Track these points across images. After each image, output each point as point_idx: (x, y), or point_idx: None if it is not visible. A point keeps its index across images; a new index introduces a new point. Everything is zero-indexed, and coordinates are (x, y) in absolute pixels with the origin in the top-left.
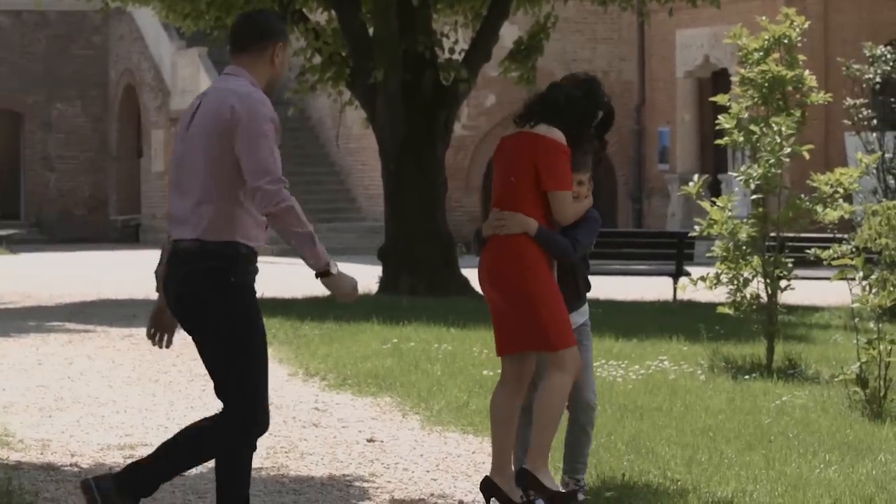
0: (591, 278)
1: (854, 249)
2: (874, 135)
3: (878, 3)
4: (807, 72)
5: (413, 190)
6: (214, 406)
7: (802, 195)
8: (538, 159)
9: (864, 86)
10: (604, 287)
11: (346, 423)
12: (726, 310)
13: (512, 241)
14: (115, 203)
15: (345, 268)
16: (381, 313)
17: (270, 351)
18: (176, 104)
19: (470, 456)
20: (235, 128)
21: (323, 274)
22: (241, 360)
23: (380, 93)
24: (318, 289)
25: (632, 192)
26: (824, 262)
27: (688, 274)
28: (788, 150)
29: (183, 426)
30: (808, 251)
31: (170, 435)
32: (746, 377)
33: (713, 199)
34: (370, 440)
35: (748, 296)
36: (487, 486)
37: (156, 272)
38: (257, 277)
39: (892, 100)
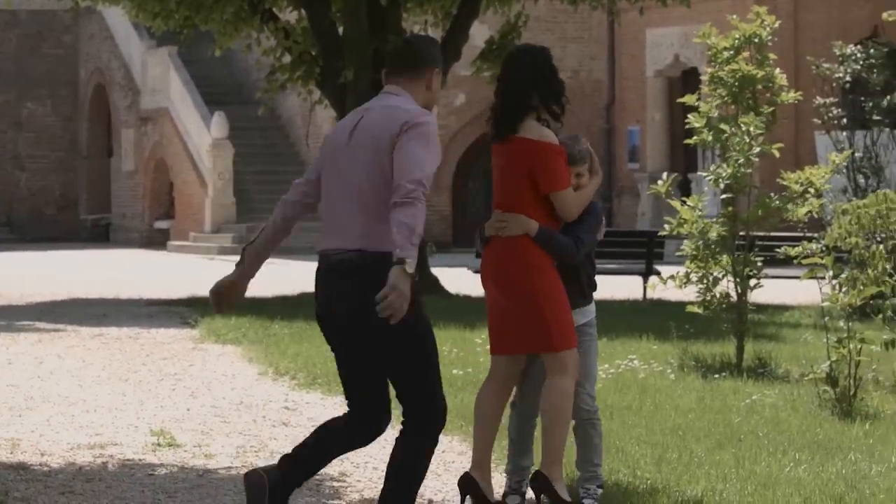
0: None
1: (824, 248)
2: (844, 134)
3: (848, 3)
4: (777, 70)
5: None
6: (183, 404)
7: (772, 194)
8: (535, 165)
9: (835, 85)
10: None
11: (316, 422)
12: (696, 309)
13: (514, 242)
14: (86, 202)
15: (313, 267)
16: None
17: (239, 350)
18: (146, 103)
19: (439, 455)
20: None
21: (399, 262)
22: (423, 364)
23: (350, 92)
24: (288, 288)
25: (602, 191)
26: (794, 261)
27: (658, 273)
28: (758, 149)
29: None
30: (777, 250)
31: (141, 434)
32: (716, 376)
33: (683, 198)
34: None
35: (718, 295)
36: (465, 483)
37: (245, 249)
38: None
39: (862, 99)
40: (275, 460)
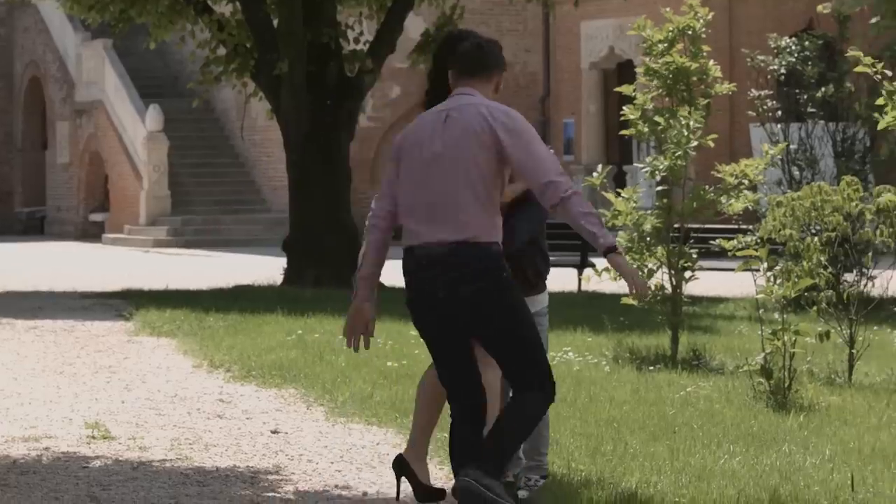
0: None
1: (759, 240)
2: (779, 126)
3: None
4: (711, 62)
5: (318, 181)
6: (118, 397)
7: (707, 186)
8: None
9: (769, 77)
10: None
11: (251, 415)
12: (631, 301)
13: None
14: (20, 195)
15: (249, 259)
16: (285, 305)
17: (174, 343)
18: (81, 96)
19: (374, 447)
20: (499, 137)
21: (612, 250)
22: (531, 341)
23: (284, 84)
24: (223, 280)
25: None
26: (729, 254)
27: (592, 265)
28: (696, 142)
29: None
30: (712, 242)
31: (75, 427)
32: (651, 368)
33: (618, 189)
34: (274, 432)
35: (653, 287)
36: (399, 464)
37: (355, 277)
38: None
39: (797, 91)
40: (209, 453)
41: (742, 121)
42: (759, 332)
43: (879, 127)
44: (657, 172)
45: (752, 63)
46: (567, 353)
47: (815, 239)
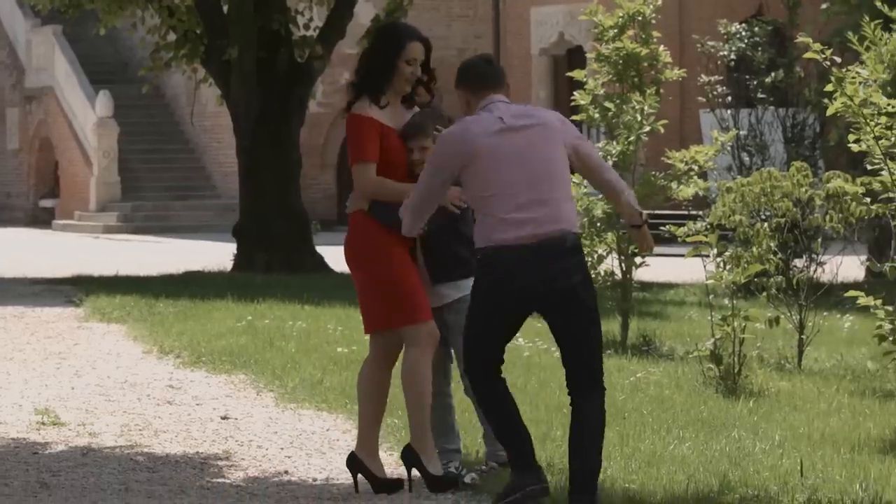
0: None
1: (708, 226)
2: (729, 112)
3: None
4: (661, 48)
5: (268, 167)
6: (68, 383)
7: (657, 172)
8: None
9: (720, 63)
10: None
11: (201, 401)
12: None
13: (353, 218)
14: None
15: (199, 245)
16: (235, 291)
17: (124, 329)
18: (31, 82)
19: (324, 433)
20: (566, 135)
21: (641, 224)
22: (600, 336)
23: (234, 70)
24: (173, 266)
25: None
26: (679, 239)
27: None
28: (648, 128)
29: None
30: (662, 228)
31: (25, 413)
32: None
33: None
34: (224, 417)
35: (603, 272)
36: (352, 462)
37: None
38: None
39: (747, 77)
40: (158, 439)
41: (692, 107)
42: (709, 318)
43: (829, 113)
44: (609, 157)
45: (702, 49)
46: (517, 339)
47: (765, 225)
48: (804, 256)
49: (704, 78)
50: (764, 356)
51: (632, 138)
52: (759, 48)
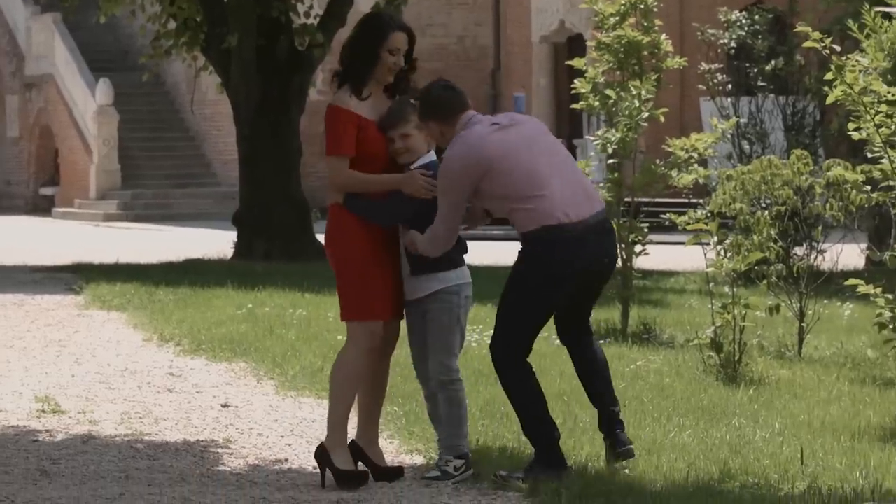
0: None
1: (709, 214)
2: (729, 100)
3: None
4: (663, 37)
5: (268, 155)
6: (68, 370)
7: (658, 160)
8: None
9: (720, 51)
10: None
11: (201, 389)
12: None
13: (330, 210)
14: None
15: (199, 233)
16: (235, 279)
17: (124, 316)
18: (31, 70)
19: (324, 421)
20: None
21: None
22: None
23: (234, 58)
24: (173, 254)
25: None
26: (679, 228)
27: None
28: (647, 114)
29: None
30: (663, 216)
31: (25, 401)
32: (601, 342)
33: None
34: (225, 406)
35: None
36: (353, 450)
37: None
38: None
39: (747, 65)
40: (159, 426)
41: (692, 95)
42: (710, 306)
43: (829, 101)
44: (609, 145)
45: (702, 37)
46: None
47: (766, 213)
48: (804, 244)
49: (705, 66)
50: (764, 344)
51: (631, 125)
52: (760, 36)
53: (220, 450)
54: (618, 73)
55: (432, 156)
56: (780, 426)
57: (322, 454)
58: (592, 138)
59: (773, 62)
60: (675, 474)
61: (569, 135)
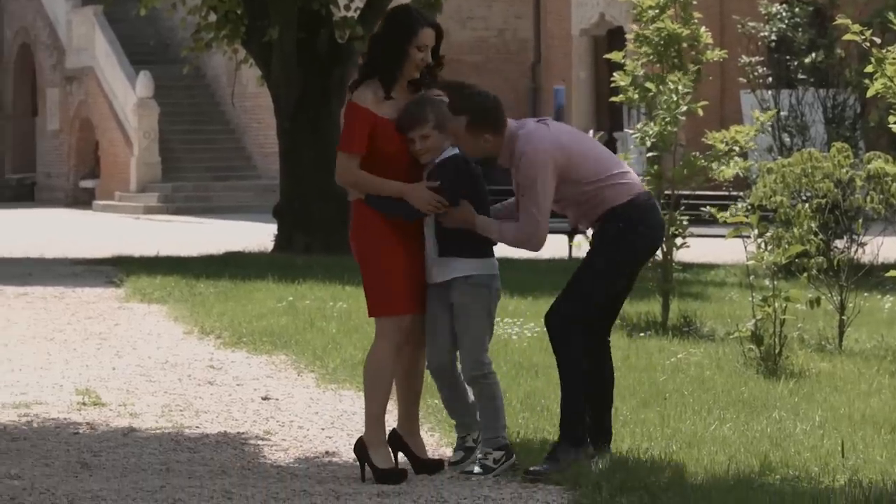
0: None
1: (749, 207)
2: (769, 93)
3: None
4: (703, 29)
5: (308, 148)
6: (108, 363)
7: (697, 153)
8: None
9: (760, 44)
10: (498, 245)
11: (242, 381)
12: None
13: (353, 206)
14: (10, 161)
15: (240, 226)
16: (276, 271)
17: (164, 309)
18: (71, 62)
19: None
20: None
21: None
22: None
23: (275, 51)
24: (214, 247)
25: None
26: (720, 221)
27: (583, 231)
28: (685, 107)
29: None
30: (703, 209)
31: (66, 394)
32: (642, 335)
33: None
34: (265, 398)
35: None
36: (394, 440)
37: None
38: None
39: (788, 58)
40: (199, 419)
41: (732, 87)
42: (750, 299)
43: (869, 94)
44: (647, 138)
45: (742, 30)
46: (502, 321)
47: (806, 205)
48: (845, 237)
49: (745, 59)
50: (804, 337)
51: (668, 118)
52: (800, 29)
53: (260, 442)
54: (657, 66)
55: (454, 149)
56: (820, 419)
57: (361, 449)
58: (632, 132)
59: (813, 55)
60: (715, 467)
61: (609, 128)
